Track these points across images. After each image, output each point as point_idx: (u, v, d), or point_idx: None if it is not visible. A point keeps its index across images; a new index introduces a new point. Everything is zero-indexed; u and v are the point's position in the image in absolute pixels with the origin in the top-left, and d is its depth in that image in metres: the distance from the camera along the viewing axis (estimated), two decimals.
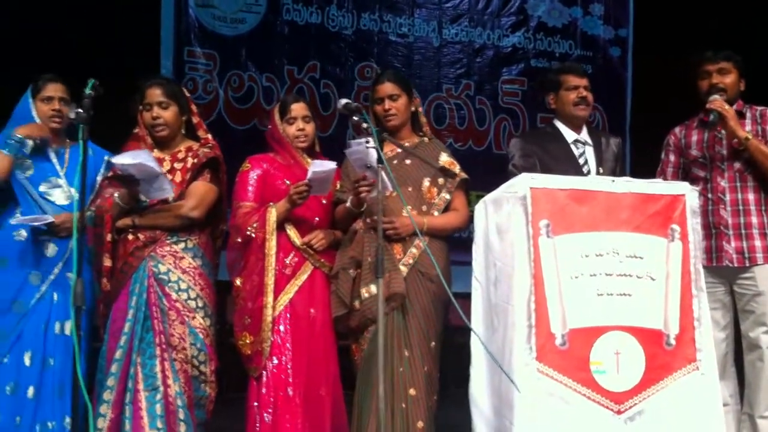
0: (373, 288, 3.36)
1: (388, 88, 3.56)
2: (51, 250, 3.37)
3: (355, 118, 3.07)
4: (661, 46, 6.91)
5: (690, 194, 3.01)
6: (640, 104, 7.34)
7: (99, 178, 3.52)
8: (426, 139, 3.68)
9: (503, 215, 2.99)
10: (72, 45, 5.83)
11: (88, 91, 2.83)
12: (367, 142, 3.06)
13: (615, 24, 7.59)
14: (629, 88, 7.51)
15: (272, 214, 3.40)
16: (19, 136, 3.35)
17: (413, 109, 3.64)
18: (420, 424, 3.31)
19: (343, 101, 3.15)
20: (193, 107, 3.56)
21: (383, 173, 3.09)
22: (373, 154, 3.15)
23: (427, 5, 7.35)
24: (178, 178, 3.38)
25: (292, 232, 3.47)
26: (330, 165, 3.37)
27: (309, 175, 3.34)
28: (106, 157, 3.57)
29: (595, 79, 7.20)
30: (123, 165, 3.13)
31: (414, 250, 3.42)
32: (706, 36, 6.18)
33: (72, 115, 2.83)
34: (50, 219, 3.32)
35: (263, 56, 6.92)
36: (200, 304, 3.35)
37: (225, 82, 6.77)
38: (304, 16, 7.02)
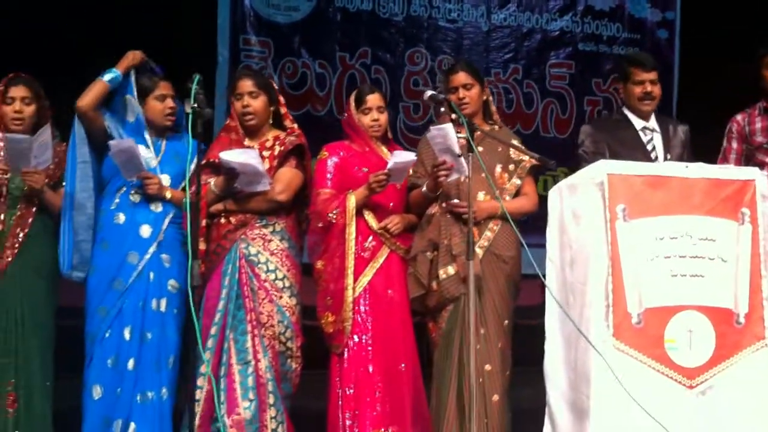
0: (450, 269, 3.56)
1: (462, 77, 3.71)
2: (146, 231, 3.58)
3: (443, 109, 3.24)
4: (707, 29, 6.97)
5: (760, 179, 3.15)
6: (686, 87, 7.41)
7: (192, 167, 3.71)
8: (497, 126, 3.84)
9: (579, 200, 3.15)
10: (133, 34, 6.02)
11: (194, 86, 3.00)
12: (458, 131, 3.20)
13: (662, 7, 7.65)
14: (676, 71, 7.59)
15: (351, 201, 3.59)
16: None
17: (485, 97, 3.80)
18: (495, 397, 3.51)
19: (429, 92, 3.34)
20: (281, 98, 3.74)
21: (463, 159, 3.29)
22: (455, 140, 3.34)
23: None
24: (266, 165, 3.57)
25: (369, 216, 3.65)
26: (410, 156, 3.55)
27: (390, 164, 3.51)
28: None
29: None
30: (230, 162, 3.32)
31: (489, 234, 3.59)
32: (753, 19, 6.26)
33: (193, 110, 2.96)
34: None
35: (316, 43, 7.08)
36: (287, 284, 3.55)
37: (279, 69, 6.95)
38: (355, 4, 7.17)
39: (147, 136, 3.66)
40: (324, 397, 3.67)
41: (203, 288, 3.55)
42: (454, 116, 3.23)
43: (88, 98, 3.52)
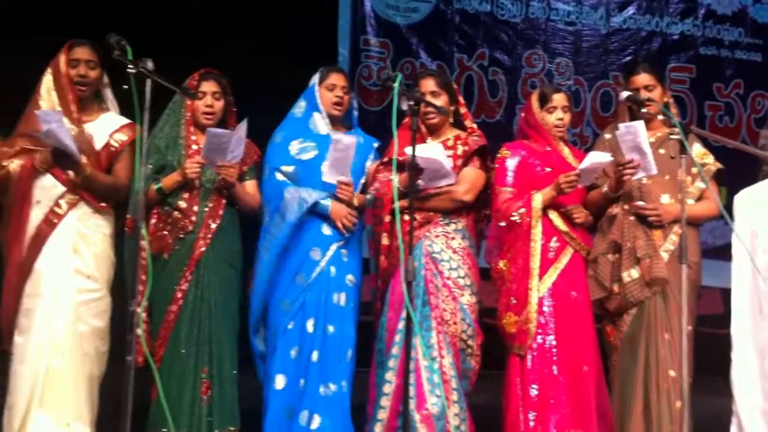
0: (633, 272, 3.52)
1: (644, 78, 3.69)
2: (327, 229, 3.63)
3: (644, 110, 3.22)
4: None
5: None
6: None
7: (368, 164, 3.76)
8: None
9: None
10: (256, 34, 6.12)
11: (397, 85, 3.04)
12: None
13: None
14: None
15: (537, 201, 3.57)
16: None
17: (666, 99, 3.75)
18: (679, 404, 3.44)
19: (625, 93, 3.32)
20: (461, 98, 3.75)
21: (651, 158, 3.29)
22: (645, 138, 3.36)
23: None
24: (450, 164, 3.57)
25: (554, 216, 3.63)
26: (605, 157, 3.51)
27: (582, 164, 3.49)
28: (375, 144, 3.82)
29: (764, 68, 7.22)
30: (418, 158, 3.34)
31: (674, 237, 3.54)
32: None
33: (411, 108, 3.04)
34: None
35: (434, 44, 7.09)
36: (468, 282, 3.56)
37: (398, 69, 6.94)
38: (473, 5, 7.15)
39: (331, 131, 3.71)
40: (496, 396, 3.66)
41: (386, 284, 3.57)
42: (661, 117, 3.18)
43: None
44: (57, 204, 3.46)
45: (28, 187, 3.46)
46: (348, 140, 3.54)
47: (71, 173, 3.43)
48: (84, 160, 3.46)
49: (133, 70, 2.90)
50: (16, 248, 3.44)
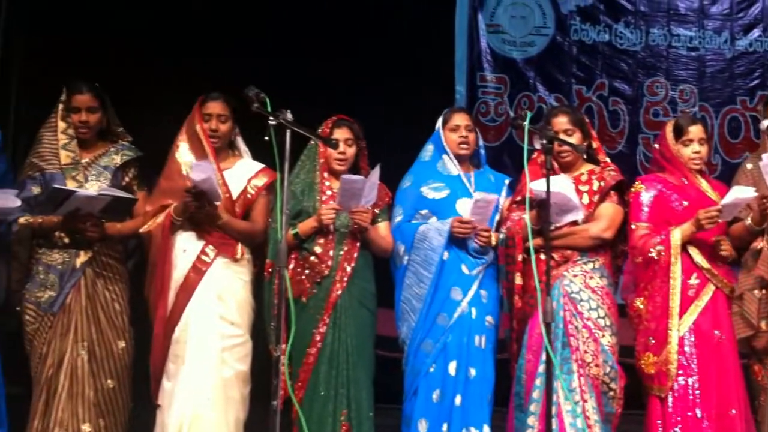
0: None
1: None
2: (466, 268, 3.65)
3: None
4: None
5: None
6: None
7: (501, 200, 3.75)
8: None
9: None
10: (376, 72, 6.22)
11: (527, 124, 3.04)
12: None
13: None
14: None
15: (676, 237, 3.46)
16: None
17: None
18: None
19: (766, 122, 3.19)
20: (593, 132, 3.71)
21: None
22: None
23: (718, 17, 7.16)
24: (585, 200, 3.53)
25: (694, 252, 3.51)
26: (750, 192, 3.38)
27: (725, 200, 3.38)
28: (506, 181, 3.82)
29: None
30: (543, 192, 3.31)
31: None
32: None
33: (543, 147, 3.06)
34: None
35: (552, 77, 7.02)
36: (608, 323, 3.49)
37: (515, 104, 6.93)
38: (591, 35, 7.06)
39: (461, 172, 3.73)
40: None
41: (521, 324, 3.53)
42: None
43: None
44: (204, 252, 3.60)
45: (168, 244, 3.61)
46: (490, 197, 3.59)
47: (208, 220, 3.56)
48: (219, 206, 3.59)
49: (274, 122, 2.99)
50: (161, 304, 3.59)
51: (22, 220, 3.62)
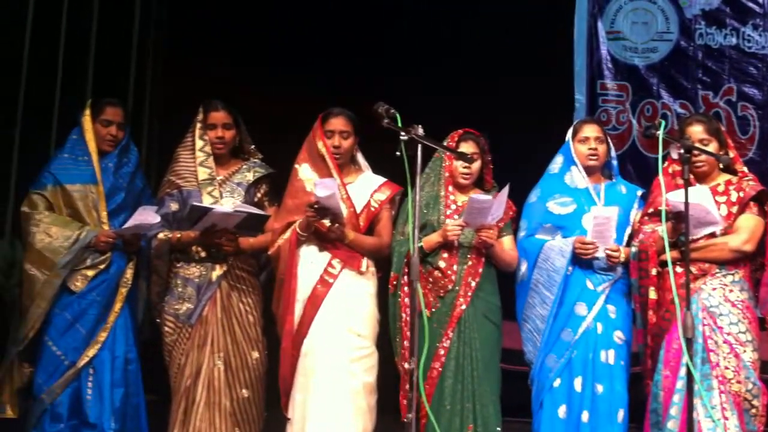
0: None
1: None
2: (591, 283, 3.59)
3: None
4: None
5: None
6: None
7: (633, 212, 3.66)
8: None
9: None
10: (493, 81, 6.21)
11: (661, 132, 2.95)
12: None
13: None
14: None
15: None
16: None
17: None
18: None
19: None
20: (730, 142, 3.59)
21: None
22: None
23: None
24: (723, 211, 3.41)
25: None
26: None
27: None
28: (638, 192, 3.73)
29: None
30: (681, 204, 3.21)
31: None
32: None
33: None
34: None
35: (676, 83, 6.79)
36: (749, 338, 3.35)
37: (638, 112, 6.75)
38: (718, 39, 6.80)
39: (589, 184, 3.68)
40: None
41: (656, 339, 3.43)
42: None
43: None
44: (330, 264, 3.66)
45: (294, 259, 3.68)
46: (608, 212, 3.51)
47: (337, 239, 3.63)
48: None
49: (405, 137, 3.02)
50: (289, 318, 3.66)
51: (161, 235, 3.80)
